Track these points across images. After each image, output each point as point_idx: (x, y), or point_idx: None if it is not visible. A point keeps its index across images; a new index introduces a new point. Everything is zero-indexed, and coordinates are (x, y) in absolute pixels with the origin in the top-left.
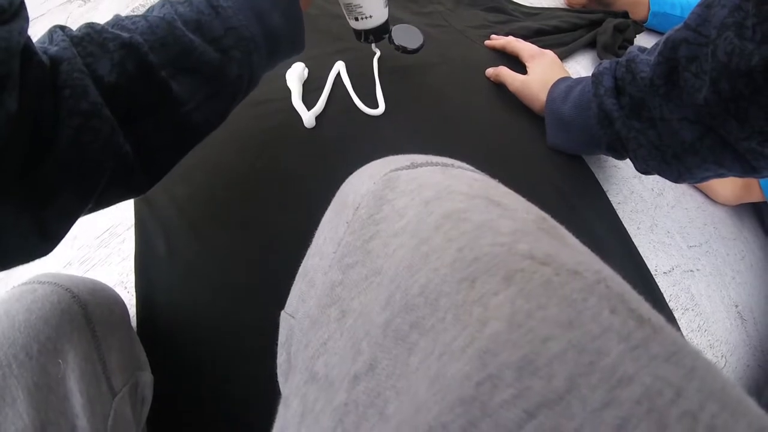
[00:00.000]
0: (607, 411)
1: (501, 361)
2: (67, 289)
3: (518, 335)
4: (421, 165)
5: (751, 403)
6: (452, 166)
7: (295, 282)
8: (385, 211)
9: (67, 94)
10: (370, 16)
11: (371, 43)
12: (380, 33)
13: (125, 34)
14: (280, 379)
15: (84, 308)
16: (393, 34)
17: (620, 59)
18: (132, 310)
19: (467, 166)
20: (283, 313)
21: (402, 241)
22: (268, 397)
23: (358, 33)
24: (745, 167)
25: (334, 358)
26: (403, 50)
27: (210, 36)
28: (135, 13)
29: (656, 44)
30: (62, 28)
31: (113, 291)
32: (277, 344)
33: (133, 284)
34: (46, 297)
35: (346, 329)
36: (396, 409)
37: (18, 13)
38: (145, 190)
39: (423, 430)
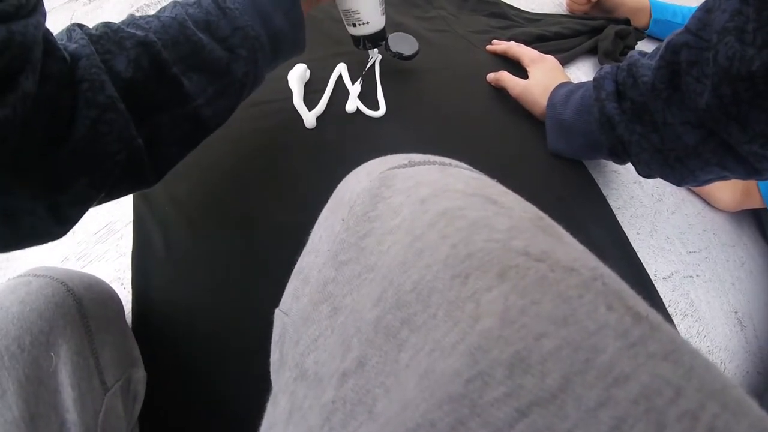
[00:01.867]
0: (602, 411)
1: (492, 357)
2: (62, 283)
3: (511, 332)
4: (418, 164)
5: (753, 404)
6: (450, 165)
7: (290, 280)
8: (380, 209)
9: (86, 87)
10: (368, 22)
11: (368, 49)
12: (377, 39)
13: (140, 33)
14: (273, 377)
15: (79, 302)
16: (389, 41)
17: (621, 64)
18: (128, 306)
19: (465, 165)
20: (277, 311)
21: (396, 238)
22: (262, 395)
23: (355, 39)
24: (748, 169)
25: (324, 354)
26: (399, 56)
27: (218, 35)
28: (140, 13)
29: (657, 48)
30: (80, 26)
31: (109, 286)
32: (270, 342)
33: (129, 281)
34: (41, 290)
35: (338, 326)
36: (384, 407)
37: (36, 9)
38: (152, 183)
39: (410, 428)
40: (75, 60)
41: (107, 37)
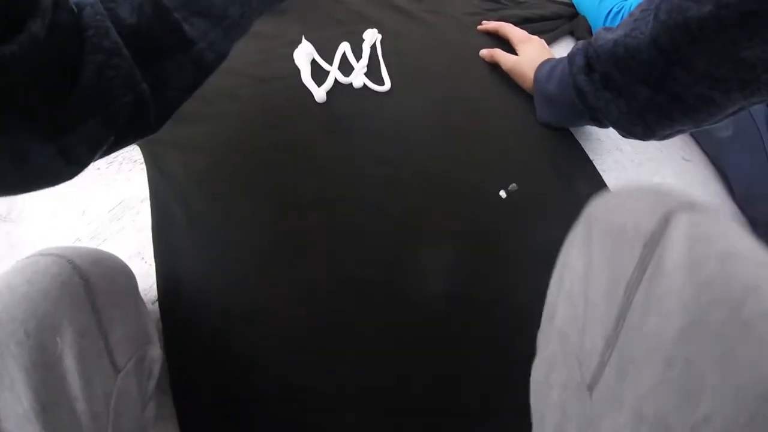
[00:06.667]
0: None
1: None
2: (68, 260)
3: None
4: (691, 207)
5: None
6: (716, 212)
7: (554, 298)
8: (684, 259)
9: (91, 33)
10: None
11: None
12: None
13: None
14: (534, 391)
15: (85, 280)
16: None
17: (591, 40)
18: (151, 279)
19: (715, 210)
20: (550, 329)
21: (713, 297)
22: (288, 365)
23: None
24: (695, 118)
25: (666, 404)
26: None
27: None
28: None
29: (620, 24)
30: None
31: (119, 261)
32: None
33: (151, 255)
34: (47, 269)
35: (675, 378)
36: None
37: None
38: (156, 129)
39: None
40: (80, 9)
41: None
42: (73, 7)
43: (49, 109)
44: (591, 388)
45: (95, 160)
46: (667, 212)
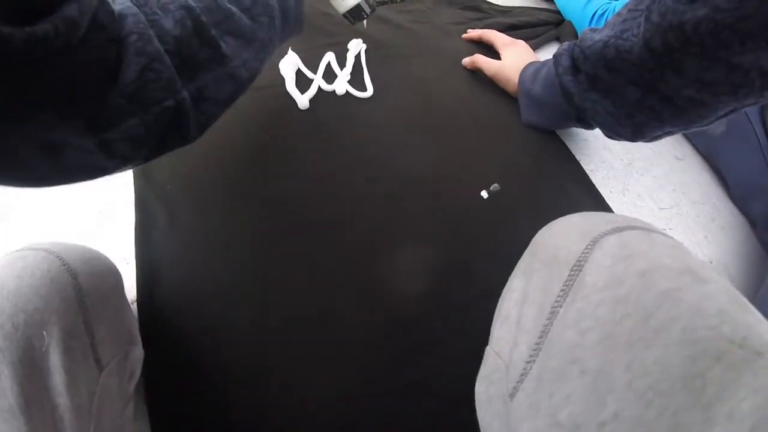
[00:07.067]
0: None
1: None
2: (58, 257)
3: None
4: (624, 228)
5: None
6: (650, 230)
7: (496, 321)
8: (604, 278)
9: (135, 38)
10: None
11: (357, 21)
12: (359, 12)
13: None
14: (478, 405)
15: (75, 277)
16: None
17: (577, 41)
18: (132, 281)
19: (658, 229)
20: (489, 349)
21: (627, 310)
22: (267, 368)
23: (344, 15)
24: (685, 120)
25: (578, 409)
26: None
27: (242, 5)
28: None
29: (606, 25)
30: None
31: (108, 260)
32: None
33: (133, 257)
34: (37, 264)
35: (588, 385)
36: None
37: None
38: (195, 138)
39: None
40: (121, 18)
41: (152, 2)
42: (115, 12)
43: (86, 104)
44: (512, 396)
45: (141, 162)
46: (597, 236)
